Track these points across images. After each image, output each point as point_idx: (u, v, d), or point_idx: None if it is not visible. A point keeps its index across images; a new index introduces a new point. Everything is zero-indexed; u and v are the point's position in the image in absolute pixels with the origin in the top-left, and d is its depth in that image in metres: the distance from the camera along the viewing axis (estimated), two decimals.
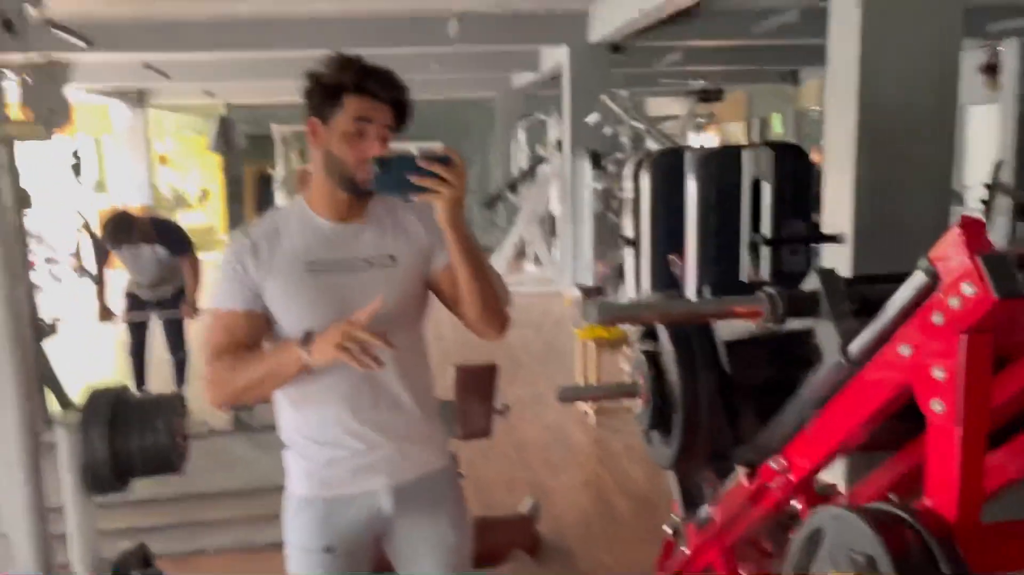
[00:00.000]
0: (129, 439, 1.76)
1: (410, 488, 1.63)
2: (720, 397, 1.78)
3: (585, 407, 4.76)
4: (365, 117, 1.50)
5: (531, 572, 3.07)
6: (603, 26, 7.67)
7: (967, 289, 1.11)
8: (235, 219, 14.60)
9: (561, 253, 9.52)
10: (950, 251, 1.15)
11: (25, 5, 2.11)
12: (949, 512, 1.19)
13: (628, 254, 5.71)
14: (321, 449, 1.59)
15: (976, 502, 1.19)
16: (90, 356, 6.25)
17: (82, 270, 5.61)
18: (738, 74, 11.97)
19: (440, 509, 1.68)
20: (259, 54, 8.92)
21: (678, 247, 4.78)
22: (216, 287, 1.57)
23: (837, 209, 3.20)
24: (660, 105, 13.86)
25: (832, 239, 3.08)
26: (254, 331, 1.53)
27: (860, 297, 1.47)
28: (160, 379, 5.09)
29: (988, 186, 4.54)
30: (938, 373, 1.18)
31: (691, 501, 2.17)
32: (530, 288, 8.92)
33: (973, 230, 1.14)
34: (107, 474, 1.79)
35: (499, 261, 9.19)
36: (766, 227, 4.14)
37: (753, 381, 1.87)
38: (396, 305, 1.56)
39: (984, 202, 5.18)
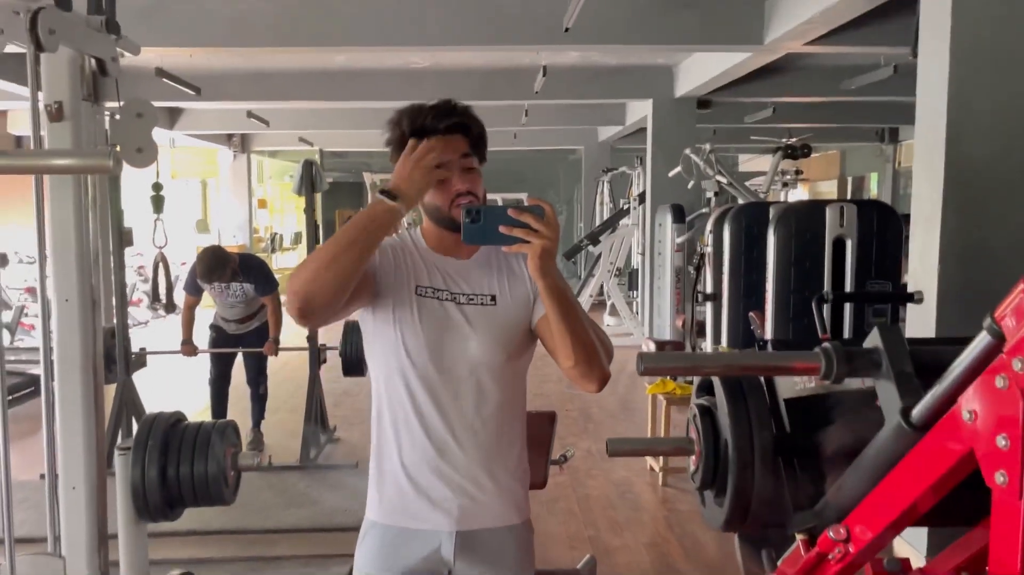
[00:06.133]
0: (180, 466, 1.78)
1: (475, 537, 1.59)
2: (776, 457, 1.69)
3: (652, 463, 4.62)
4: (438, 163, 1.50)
5: None
6: (689, 81, 7.66)
7: None
8: None
9: (640, 306, 9.40)
10: (1015, 310, 1.07)
11: (118, 50, 2.22)
12: None
13: (708, 309, 5.60)
14: (399, 478, 1.58)
15: None
16: (178, 388, 6.45)
17: (156, 304, 5.81)
18: (832, 132, 11.71)
19: (503, 567, 1.62)
20: (352, 104, 9.25)
21: (759, 303, 4.66)
22: None
23: (922, 270, 3.04)
24: (754, 163, 13.68)
25: (908, 298, 2.92)
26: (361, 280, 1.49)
27: (921, 359, 1.38)
28: (239, 411, 5.22)
29: None
30: (1001, 442, 1.08)
31: (754, 570, 2.06)
32: None
33: None
34: (157, 500, 1.81)
35: None
36: (848, 286, 4.00)
37: (815, 442, 1.77)
38: (491, 344, 1.56)
39: None
